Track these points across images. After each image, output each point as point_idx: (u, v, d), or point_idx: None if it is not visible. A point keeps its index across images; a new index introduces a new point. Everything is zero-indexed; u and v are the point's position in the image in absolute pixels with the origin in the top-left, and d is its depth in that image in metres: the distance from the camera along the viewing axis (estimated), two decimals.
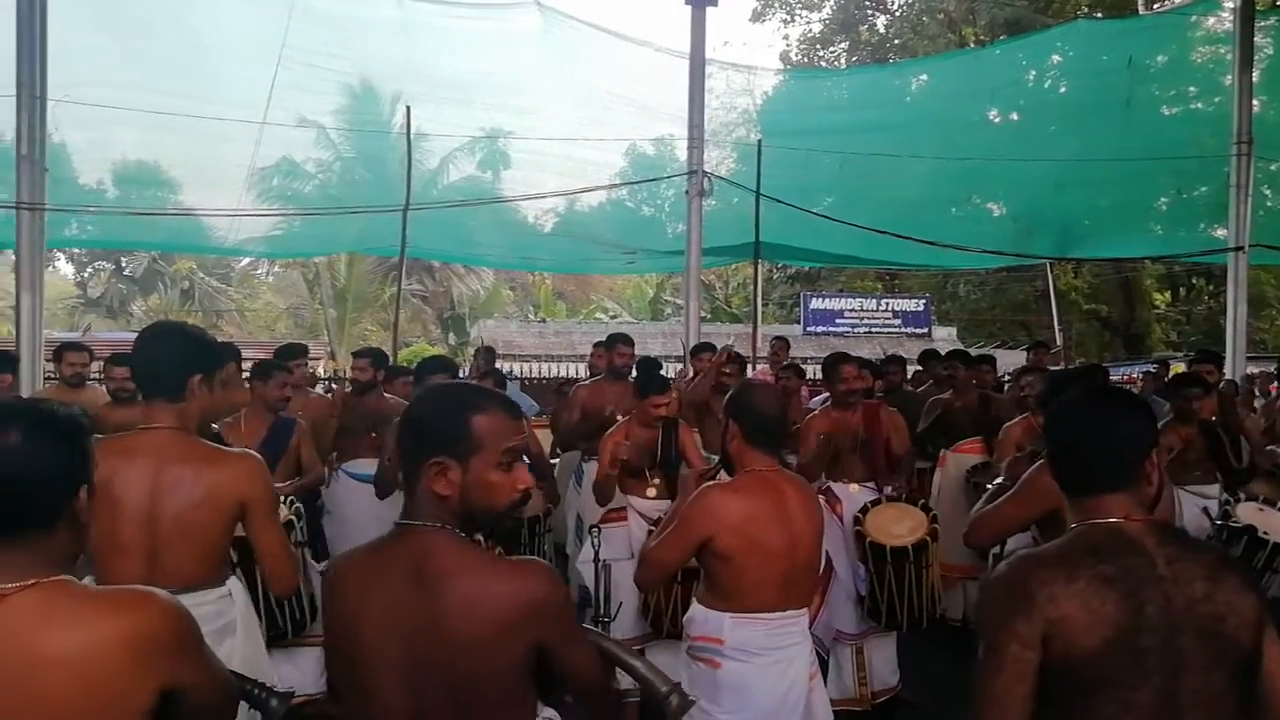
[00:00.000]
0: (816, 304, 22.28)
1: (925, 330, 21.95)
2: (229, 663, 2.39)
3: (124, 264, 30.30)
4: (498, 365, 8.09)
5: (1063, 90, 10.57)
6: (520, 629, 1.55)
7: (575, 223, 11.10)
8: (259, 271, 31.34)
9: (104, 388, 5.47)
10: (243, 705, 1.78)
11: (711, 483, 2.80)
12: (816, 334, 21.48)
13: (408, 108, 7.97)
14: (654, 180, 9.51)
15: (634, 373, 5.45)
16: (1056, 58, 10.54)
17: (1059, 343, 11.84)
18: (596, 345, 6.38)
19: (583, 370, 15.35)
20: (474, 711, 1.55)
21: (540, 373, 13.73)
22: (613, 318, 27.23)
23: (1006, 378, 9.19)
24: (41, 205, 6.62)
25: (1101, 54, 9.81)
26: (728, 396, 2.88)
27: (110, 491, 2.25)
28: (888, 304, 22.65)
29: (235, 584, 2.52)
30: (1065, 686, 1.55)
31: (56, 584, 1.41)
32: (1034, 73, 10.50)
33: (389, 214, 8.39)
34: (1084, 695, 1.54)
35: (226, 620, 2.42)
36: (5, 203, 6.50)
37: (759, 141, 8.21)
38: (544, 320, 25.70)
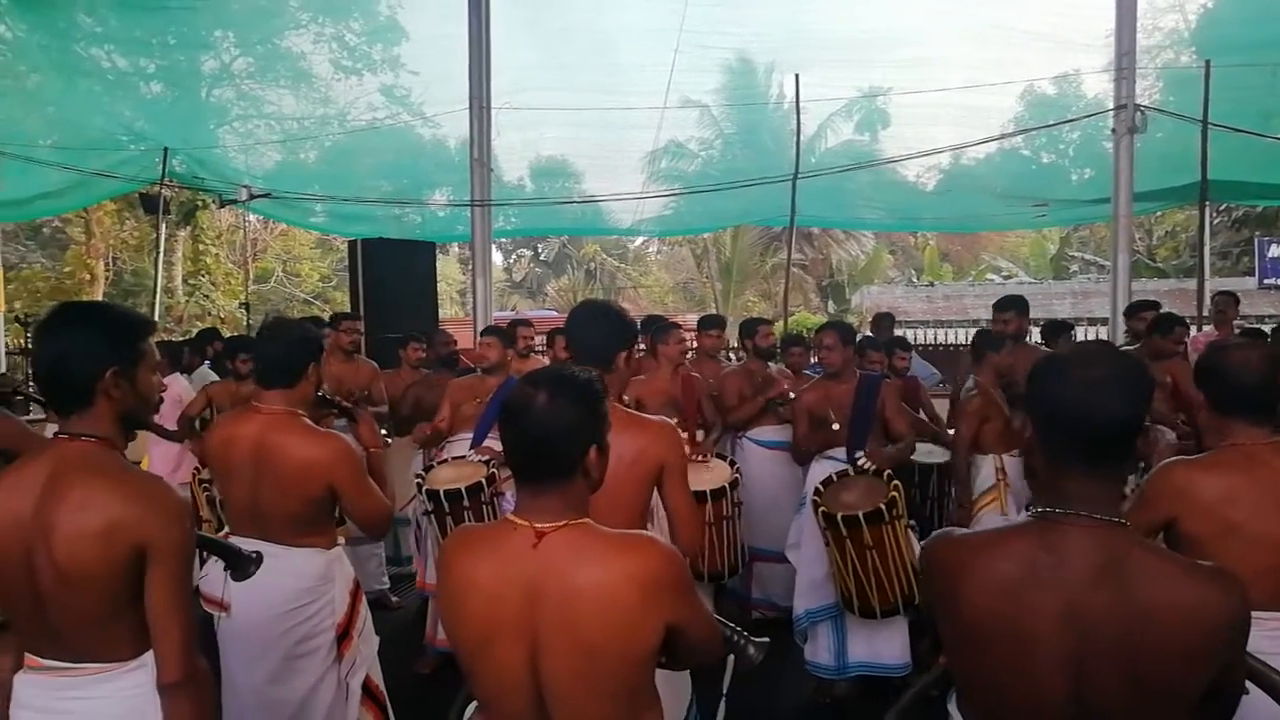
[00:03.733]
0: (1277, 251, 18.66)
1: None
2: None
3: (540, 250, 34.41)
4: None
5: None
6: (1222, 646, 1.43)
7: (963, 177, 10.39)
8: (650, 250, 33.80)
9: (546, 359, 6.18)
10: None
11: (1179, 457, 2.41)
12: (1278, 286, 17.99)
13: (796, 76, 7.98)
14: (1069, 121, 8.54)
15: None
16: None
17: None
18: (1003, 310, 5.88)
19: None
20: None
21: (930, 339, 13.05)
22: (1007, 278, 25.11)
23: None
24: (490, 201, 7.74)
25: None
26: (1195, 362, 2.45)
27: None
28: None
29: None
30: None
31: (581, 525, 1.63)
32: None
33: (770, 186, 8.48)
34: None
35: None
36: (459, 201, 7.80)
37: (1206, 63, 6.94)
38: (931, 284, 24.47)
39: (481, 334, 5.11)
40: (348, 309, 9.13)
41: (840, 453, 4.35)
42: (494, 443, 4.66)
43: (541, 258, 34.61)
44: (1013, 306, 5.11)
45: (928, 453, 4.86)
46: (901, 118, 9.95)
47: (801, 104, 8.45)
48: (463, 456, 4.53)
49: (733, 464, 4.65)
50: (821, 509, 3.94)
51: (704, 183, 10.34)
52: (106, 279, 20.57)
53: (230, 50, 10.33)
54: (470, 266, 8.24)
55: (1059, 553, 1.45)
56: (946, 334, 13.33)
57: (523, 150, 9.73)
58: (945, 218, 11.63)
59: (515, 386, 1.71)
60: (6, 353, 10.51)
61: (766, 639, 2.09)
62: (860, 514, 3.82)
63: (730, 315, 23.89)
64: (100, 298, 18.38)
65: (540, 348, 6.69)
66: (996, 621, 1.47)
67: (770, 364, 5.49)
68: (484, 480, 4.14)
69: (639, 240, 30.42)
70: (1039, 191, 9.78)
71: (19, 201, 10.26)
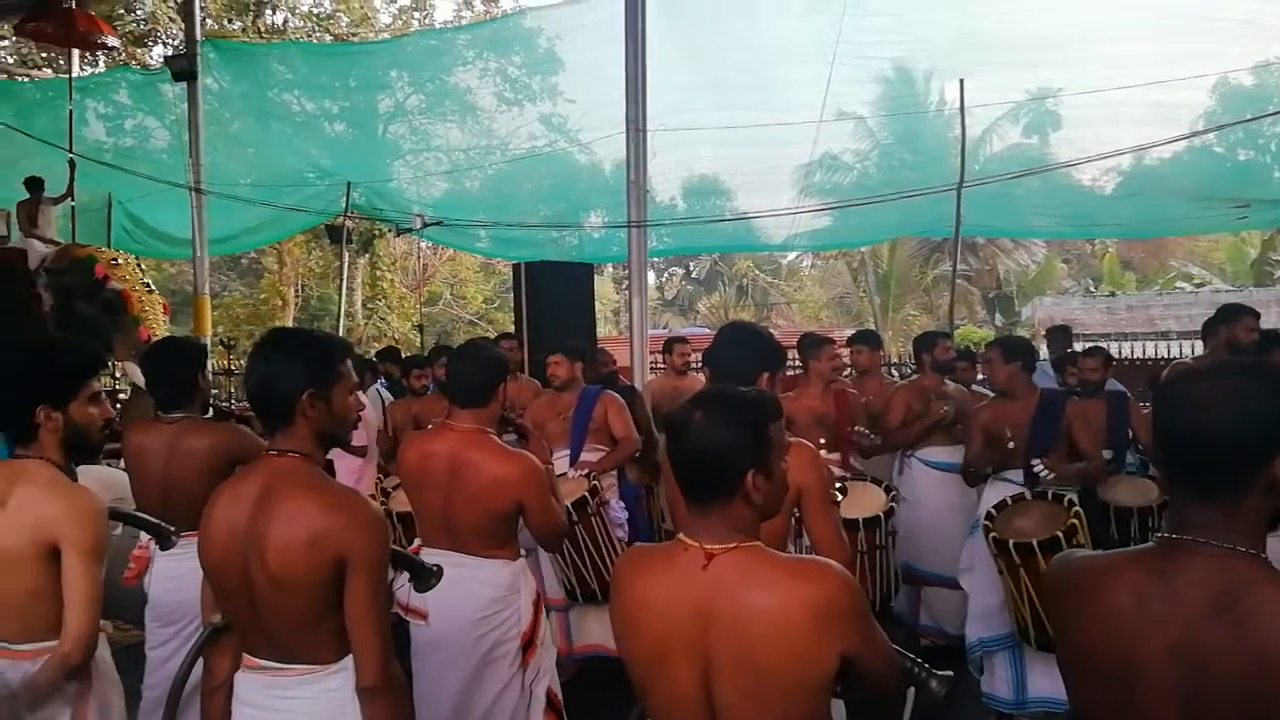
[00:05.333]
0: None
1: None
2: None
3: (691, 268, 34.62)
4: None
5: None
6: None
7: (1146, 179, 9.67)
8: (804, 265, 33.33)
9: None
10: None
11: None
12: None
13: (960, 81, 7.71)
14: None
15: None
16: None
17: None
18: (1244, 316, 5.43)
19: (1165, 350, 13.32)
20: None
21: (1113, 353, 12.17)
22: (1199, 285, 23.09)
23: None
24: (646, 222, 7.90)
25: None
26: None
27: None
28: None
29: None
30: None
31: (752, 548, 1.61)
32: None
33: (929, 197, 8.21)
34: None
35: None
36: (616, 223, 7.96)
37: None
38: (1112, 294, 22.84)
39: (550, 355, 5.14)
40: (510, 329, 9.50)
41: (1017, 474, 4.11)
42: (589, 455, 4.73)
43: (693, 275, 34.81)
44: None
45: (1134, 491, 4.45)
46: (1075, 119, 9.36)
47: (966, 109, 8.15)
48: (563, 475, 4.54)
49: (888, 489, 4.48)
50: (992, 535, 3.74)
51: (860, 195, 10.10)
52: (296, 304, 22.34)
53: (404, 89, 11.04)
54: (625, 286, 8.40)
55: (1170, 581, 1.34)
56: (1131, 347, 12.36)
57: (675, 170, 9.83)
58: (1126, 223, 10.82)
59: (683, 404, 1.71)
60: (212, 373, 11.59)
61: (950, 672, 1.99)
62: (1035, 542, 3.58)
63: (889, 330, 23.17)
64: (291, 322, 20.00)
65: (696, 364, 6.71)
66: (1105, 650, 1.39)
67: (947, 380, 5.26)
68: (588, 494, 4.19)
69: (791, 255, 30.10)
70: (1237, 191, 8.97)
71: (225, 238, 11.37)
